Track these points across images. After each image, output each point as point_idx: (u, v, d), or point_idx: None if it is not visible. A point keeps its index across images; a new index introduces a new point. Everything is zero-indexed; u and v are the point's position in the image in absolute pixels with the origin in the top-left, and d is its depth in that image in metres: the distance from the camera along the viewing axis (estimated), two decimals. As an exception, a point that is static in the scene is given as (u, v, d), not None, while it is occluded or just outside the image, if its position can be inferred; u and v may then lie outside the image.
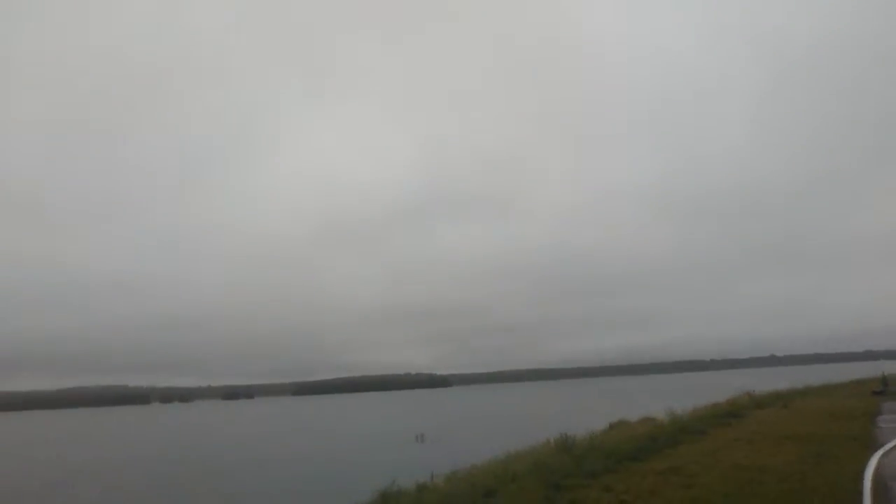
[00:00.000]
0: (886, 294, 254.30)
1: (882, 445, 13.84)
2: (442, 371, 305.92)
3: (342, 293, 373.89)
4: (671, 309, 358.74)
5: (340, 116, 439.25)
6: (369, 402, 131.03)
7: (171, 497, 22.38)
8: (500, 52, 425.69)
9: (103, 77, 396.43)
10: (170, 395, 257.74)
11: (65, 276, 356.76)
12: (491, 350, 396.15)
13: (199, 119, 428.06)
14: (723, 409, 25.06)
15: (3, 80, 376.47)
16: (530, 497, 9.97)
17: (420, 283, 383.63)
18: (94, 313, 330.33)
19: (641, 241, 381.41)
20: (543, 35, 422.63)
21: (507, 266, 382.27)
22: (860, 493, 9.09)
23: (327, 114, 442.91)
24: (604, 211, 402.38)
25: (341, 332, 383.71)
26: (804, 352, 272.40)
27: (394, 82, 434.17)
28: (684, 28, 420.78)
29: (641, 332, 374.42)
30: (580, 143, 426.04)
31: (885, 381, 34.82)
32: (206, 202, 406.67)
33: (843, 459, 11.88)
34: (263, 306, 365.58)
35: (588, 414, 34.84)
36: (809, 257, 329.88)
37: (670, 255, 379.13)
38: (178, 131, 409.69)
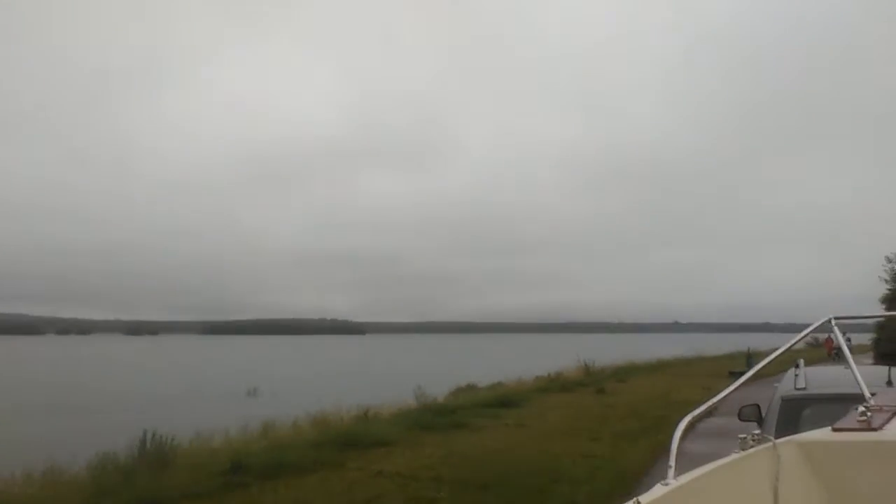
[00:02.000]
0: (785, 270, 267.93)
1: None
2: (360, 319, 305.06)
3: (261, 231, 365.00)
4: (585, 271, 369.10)
5: (266, 51, 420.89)
6: (268, 345, 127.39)
7: None
8: (430, 5, 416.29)
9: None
10: (67, 328, 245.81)
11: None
12: (410, 300, 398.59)
13: (120, 45, 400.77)
14: (528, 387, 23.06)
15: None
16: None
17: (341, 228, 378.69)
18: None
19: (559, 204, 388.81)
20: None
21: (429, 217, 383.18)
22: None
23: (252, 48, 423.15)
24: (524, 172, 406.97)
25: (258, 272, 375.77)
26: (706, 320, 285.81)
27: (321, 23, 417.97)
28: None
29: (557, 291, 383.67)
30: (504, 103, 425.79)
31: (749, 358, 32.03)
32: (122, 125, 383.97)
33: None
34: (178, 238, 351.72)
35: (455, 375, 33.36)
36: (715, 231, 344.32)
37: (586, 219, 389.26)
38: (96, 56, 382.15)
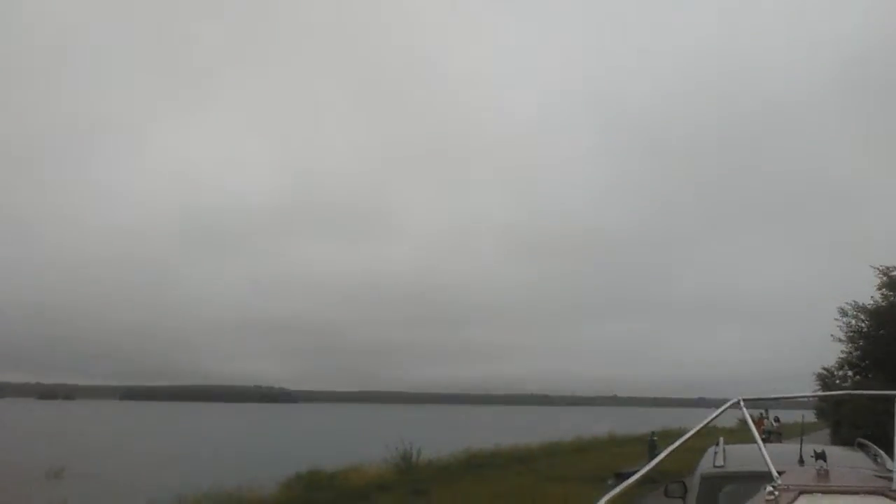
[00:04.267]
0: (719, 346, 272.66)
1: None
2: (296, 387, 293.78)
3: (197, 298, 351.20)
4: (524, 343, 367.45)
5: (202, 120, 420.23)
6: (174, 413, 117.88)
7: None
8: (366, 75, 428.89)
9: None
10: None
11: None
12: (347, 369, 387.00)
13: (52, 110, 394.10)
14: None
15: None
16: None
17: (280, 297, 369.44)
18: None
19: (500, 275, 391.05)
20: (408, 61, 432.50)
21: (369, 287, 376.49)
22: None
23: (189, 116, 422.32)
24: (466, 242, 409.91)
25: (191, 338, 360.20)
26: (643, 395, 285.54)
27: (259, 92, 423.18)
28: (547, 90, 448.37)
29: (497, 362, 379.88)
30: (442, 176, 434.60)
31: (652, 446, 23.53)
32: (55, 193, 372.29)
33: None
34: (110, 303, 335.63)
35: (359, 446, 29.06)
36: (652, 306, 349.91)
37: (525, 290, 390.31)
38: (28, 121, 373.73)
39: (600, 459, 25.70)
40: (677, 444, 2.29)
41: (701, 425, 2.48)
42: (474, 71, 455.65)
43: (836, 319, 23.88)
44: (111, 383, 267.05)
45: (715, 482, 4.84)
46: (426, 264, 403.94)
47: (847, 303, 23.68)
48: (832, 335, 24.05)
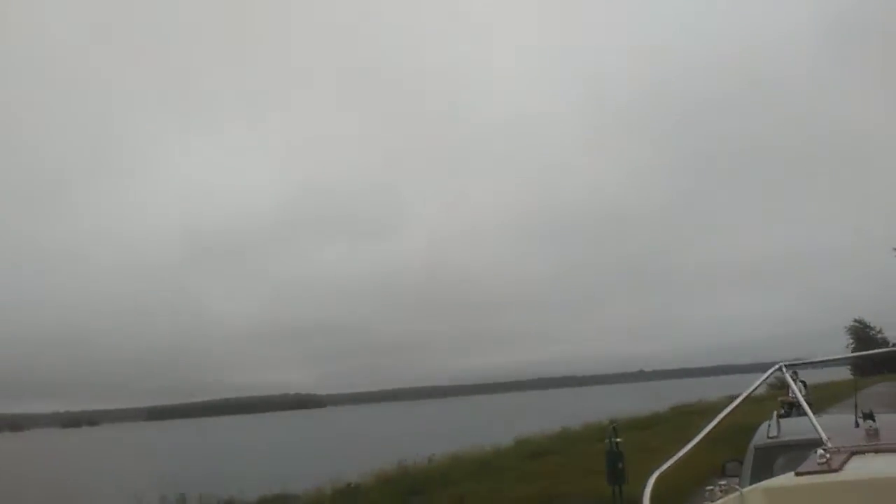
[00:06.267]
0: (745, 312, 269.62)
1: None
2: (323, 391, 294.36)
3: (216, 312, 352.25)
4: (548, 328, 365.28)
5: (205, 134, 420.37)
6: (211, 428, 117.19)
7: None
8: (370, 78, 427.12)
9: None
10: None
11: None
12: (374, 369, 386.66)
13: (56, 132, 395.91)
14: None
15: None
16: None
17: (298, 302, 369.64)
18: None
19: (516, 264, 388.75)
20: (412, 67, 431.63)
21: (387, 285, 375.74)
22: None
23: (190, 130, 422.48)
24: (478, 235, 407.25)
25: (213, 353, 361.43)
26: (669, 367, 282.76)
27: (258, 100, 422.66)
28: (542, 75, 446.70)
29: (522, 349, 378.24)
30: (453, 170, 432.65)
31: (612, 439, 11.17)
32: (63, 217, 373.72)
33: None
34: (123, 322, 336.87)
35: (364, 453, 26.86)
36: (673, 278, 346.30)
37: (544, 276, 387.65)
38: (28, 144, 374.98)
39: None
40: (721, 416, 2.23)
41: (745, 395, 2.39)
42: (470, 59, 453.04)
43: None
44: (135, 405, 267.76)
45: (769, 452, 4.79)
46: (440, 258, 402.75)
47: None
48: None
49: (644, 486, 1.61)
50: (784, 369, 2.53)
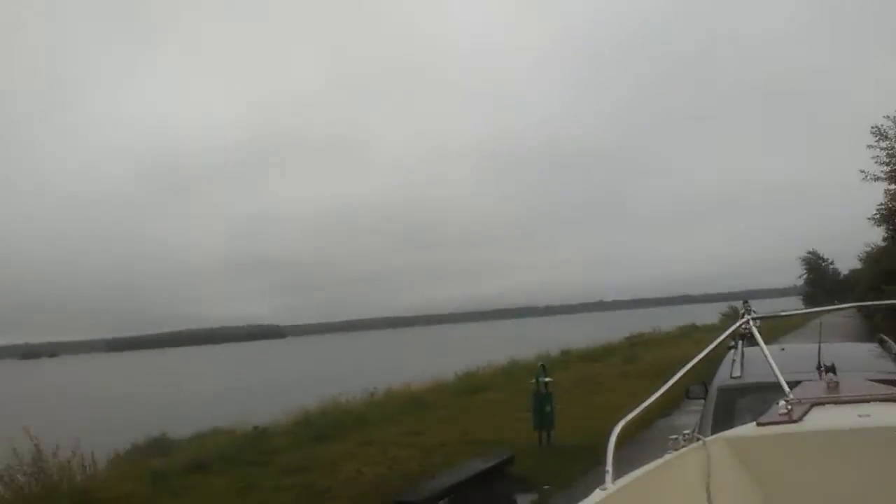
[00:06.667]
0: (701, 244, 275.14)
1: None
2: (285, 322, 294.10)
3: (174, 243, 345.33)
4: (508, 259, 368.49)
5: (160, 63, 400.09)
6: (175, 359, 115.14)
7: None
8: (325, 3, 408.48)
9: None
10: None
11: None
12: (336, 301, 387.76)
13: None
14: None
15: None
16: None
17: (257, 235, 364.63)
18: None
19: (476, 197, 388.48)
20: None
21: (349, 219, 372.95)
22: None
23: (147, 60, 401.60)
24: (438, 168, 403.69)
25: (172, 285, 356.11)
26: (628, 297, 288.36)
27: (215, 30, 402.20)
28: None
29: (484, 280, 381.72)
30: (411, 102, 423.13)
31: (541, 376, 10.93)
32: (24, 150, 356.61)
33: None
34: (81, 255, 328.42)
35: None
36: (631, 211, 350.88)
37: (505, 209, 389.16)
38: None
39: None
40: (688, 367, 2.24)
41: (711, 347, 2.46)
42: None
43: (871, 146, 20.43)
44: (95, 337, 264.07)
45: (732, 394, 4.78)
46: (403, 191, 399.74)
47: (887, 117, 20.14)
48: (864, 172, 20.80)
49: (608, 437, 1.64)
50: (751, 322, 2.61)
